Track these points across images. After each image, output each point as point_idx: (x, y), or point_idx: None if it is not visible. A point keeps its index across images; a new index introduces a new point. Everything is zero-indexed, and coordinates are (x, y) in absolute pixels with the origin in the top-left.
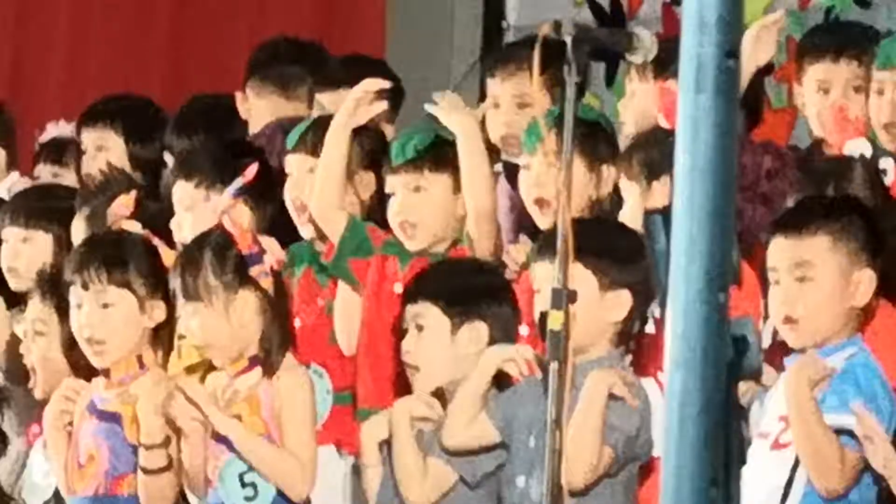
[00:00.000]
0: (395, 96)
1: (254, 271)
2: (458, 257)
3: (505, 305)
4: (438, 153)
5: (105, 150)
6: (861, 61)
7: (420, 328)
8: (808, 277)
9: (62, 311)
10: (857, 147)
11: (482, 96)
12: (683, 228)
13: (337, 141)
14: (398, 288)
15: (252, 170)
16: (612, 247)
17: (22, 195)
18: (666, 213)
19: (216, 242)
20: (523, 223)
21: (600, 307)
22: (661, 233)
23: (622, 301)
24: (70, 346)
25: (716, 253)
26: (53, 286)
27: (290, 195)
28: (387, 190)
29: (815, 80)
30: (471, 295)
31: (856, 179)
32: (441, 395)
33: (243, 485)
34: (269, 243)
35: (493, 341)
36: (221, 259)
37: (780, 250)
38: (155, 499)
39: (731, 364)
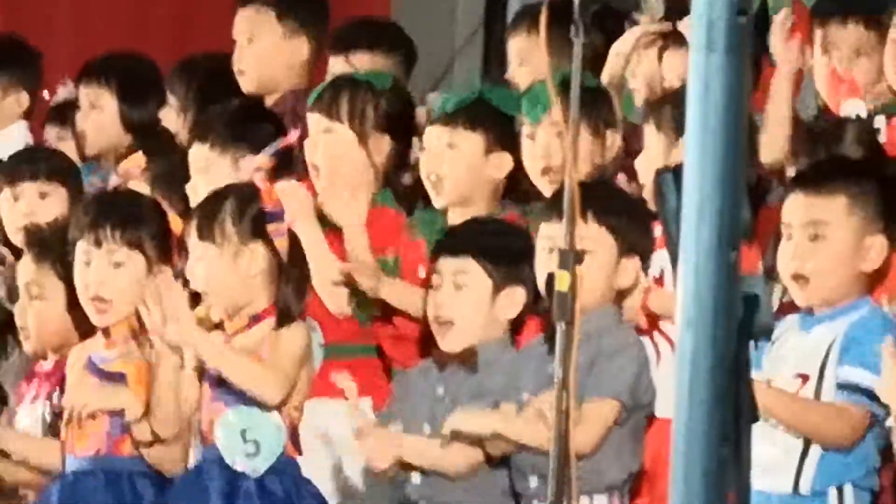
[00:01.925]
0: (406, 59)
1: (270, 228)
2: (488, 217)
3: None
4: (474, 111)
5: (98, 108)
6: (868, 25)
7: (459, 286)
8: (821, 236)
9: (61, 272)
10: (852, 107)
11: (485, 63)
12: (694, 187)
13: (317, 254)
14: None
15: (294, 134)
16: (633, 212)
17: (29, 153)
18: (677, 171)
19: (241, 192)
20: None
21: (615, 273)
22: (672, 191)
23: (634, 267)
24: (72, 307)
25: (726, 211)
26: (51, 246)
27: (307, 155)
28: (424, 144)
29: (821, 44)
30: (512, 257)
31: (847, 142)
32: (472, 354)
33: (245, 441)
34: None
35: (526, 307)
36: (242, 207)
37: (797, 207)
38: (163, 466)
39: (742, 322)
